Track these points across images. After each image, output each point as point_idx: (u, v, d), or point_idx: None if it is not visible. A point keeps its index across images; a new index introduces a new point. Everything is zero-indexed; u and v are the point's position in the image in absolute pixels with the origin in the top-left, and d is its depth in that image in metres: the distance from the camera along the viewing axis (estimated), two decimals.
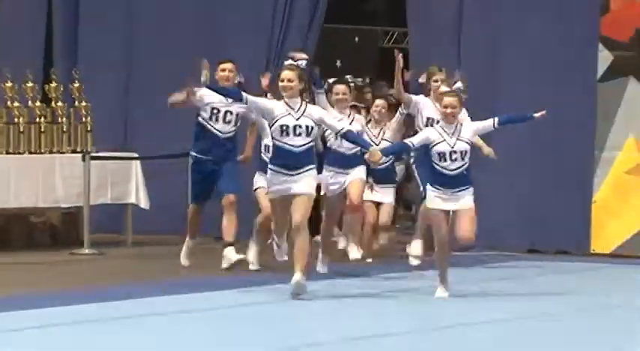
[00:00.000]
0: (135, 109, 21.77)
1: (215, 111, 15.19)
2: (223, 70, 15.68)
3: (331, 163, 16.35)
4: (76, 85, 19.46)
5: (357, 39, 24.28)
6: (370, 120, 17.31)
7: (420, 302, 14.26)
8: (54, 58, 21.82)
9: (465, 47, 20.21)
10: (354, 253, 16.34)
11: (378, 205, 17.62)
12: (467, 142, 14.05)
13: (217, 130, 15.37)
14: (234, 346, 11.60)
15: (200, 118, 15.48)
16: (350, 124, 15.32)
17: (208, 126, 15.57)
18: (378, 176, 17.31)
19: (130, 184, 19.73)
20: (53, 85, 19.37)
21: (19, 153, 18.71)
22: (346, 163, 16.10)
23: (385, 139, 16.60)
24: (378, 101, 16.90)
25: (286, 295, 14.52)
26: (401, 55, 16.15)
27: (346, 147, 15.85)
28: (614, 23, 18.93)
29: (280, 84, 13.26)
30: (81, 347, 11.17)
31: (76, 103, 19.39)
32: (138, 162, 19.74)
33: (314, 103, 15.48)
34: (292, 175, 13.42)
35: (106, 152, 19.62)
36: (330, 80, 15.70)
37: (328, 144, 16.36)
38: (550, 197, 19.20)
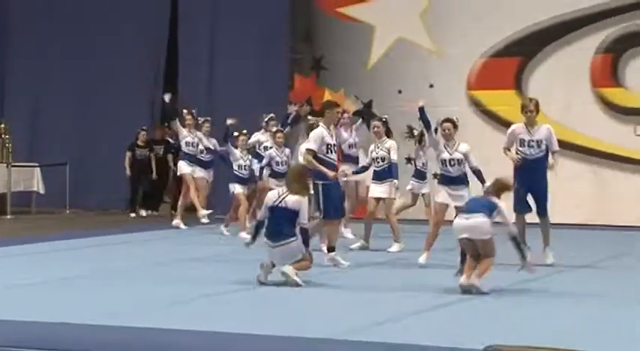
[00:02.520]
0: (38, 140, 20.96)
1: (330, 146, 11.42)
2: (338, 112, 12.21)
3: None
4: (2, 125, 19.53)
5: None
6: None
7: None
8: None
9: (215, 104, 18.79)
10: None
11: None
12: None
13: (332, 159, 11.47)
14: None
15: (320, 154, 11.48)
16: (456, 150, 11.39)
17: (327, 158, 11.42)
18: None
19: (33, 179, 19.71)
20: None
21: None
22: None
23: (382, 150, 13.07)
24: (376, 122, 13.52)
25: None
26: None
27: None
28: (296, 94, 18.75)
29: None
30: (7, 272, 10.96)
31: (2, 135, 19.46)
32: (38, 168, 19.80)
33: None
34: None
35: (20, 162, 19.64)
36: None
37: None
38: None
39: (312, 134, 11.66)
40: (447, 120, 11.69)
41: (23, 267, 11.50)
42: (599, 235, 15.71)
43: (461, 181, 11.41)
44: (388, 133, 13.37)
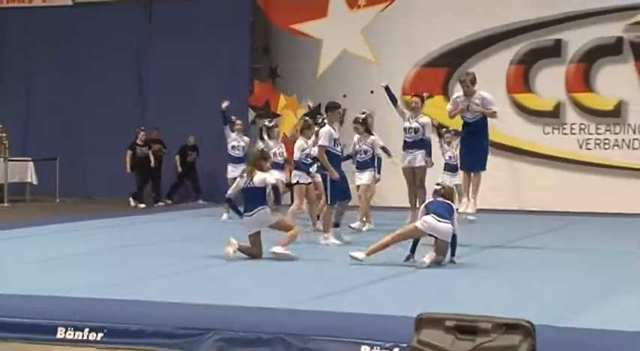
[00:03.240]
0: (31, 137, 20.57)
1: (336, 140, 11.36)
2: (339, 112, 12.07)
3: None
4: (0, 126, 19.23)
5: None
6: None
7: None
8: None
9: (185, 106, 19.08)
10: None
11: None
12: None
13: (338, 151, 11.39)
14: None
15: (329, 148, 11.20)
16: (416, 121, 12.00)
17: (334, 151, 11.33)
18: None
19: (27, 172, 19.60)
20: None
21: None
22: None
23: (365, 144, 13.07)
24: (356, 125, 13.06)
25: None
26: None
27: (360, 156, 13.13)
28: (255, 98, 18.88)
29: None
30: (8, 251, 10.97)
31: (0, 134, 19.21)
32: (31, 162, 19.69)
33: None
34: None
35: (16, 157, 19.43)
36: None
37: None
38: None
39: (321, 132, 11.49)
40: (416, 95, 12.29)
41: (24, 246, 11.37)
42: (515, 218, 15.89)
43: (416, 145, 12.02)
44: (368, 130, 13.21)
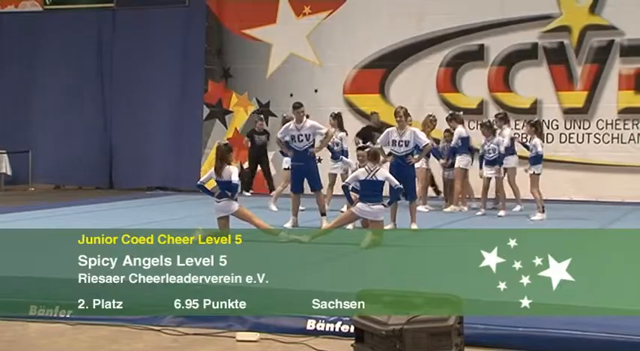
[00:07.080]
0: (3, 132, 19.93)
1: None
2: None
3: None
4: None
5: None
6: None
7: None
8: None
9: (146, 104, 19.37)
10: None
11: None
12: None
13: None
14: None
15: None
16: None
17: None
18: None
19: (2, 163, 19.19)
20: None
21: None
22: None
23: (336, 138, 13.32)
24: (331, 119, 13.29)
25: None
26: None
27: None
28: (209, 96, 18.53)
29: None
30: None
31: None
32: (6, 154, 19.31)
33: None
34: None
35: None
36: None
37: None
38: None
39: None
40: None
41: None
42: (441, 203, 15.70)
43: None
44: (341, 126, 13.47)
